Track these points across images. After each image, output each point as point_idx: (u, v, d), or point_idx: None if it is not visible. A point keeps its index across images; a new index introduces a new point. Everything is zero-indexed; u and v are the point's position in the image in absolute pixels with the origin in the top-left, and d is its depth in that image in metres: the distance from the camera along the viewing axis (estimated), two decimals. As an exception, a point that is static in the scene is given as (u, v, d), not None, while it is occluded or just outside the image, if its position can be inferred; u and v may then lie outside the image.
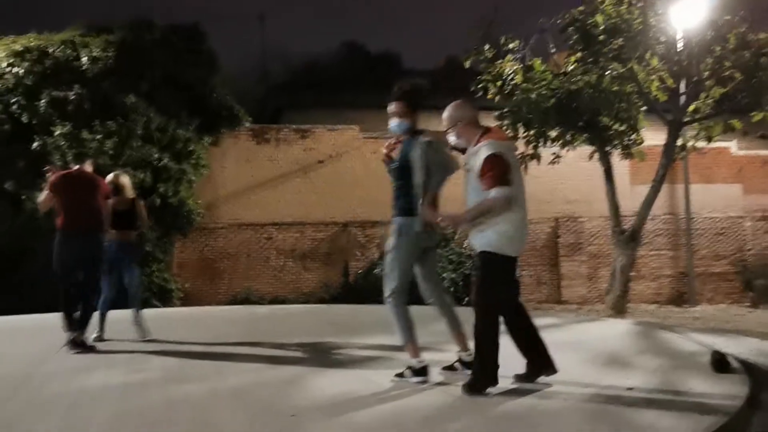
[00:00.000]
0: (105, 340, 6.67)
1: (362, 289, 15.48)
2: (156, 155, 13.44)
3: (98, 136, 12.80)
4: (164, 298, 13.88)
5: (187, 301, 14.51)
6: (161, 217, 13.80)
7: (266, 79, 25.68)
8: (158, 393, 4.41)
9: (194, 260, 15.57)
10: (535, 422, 3.53)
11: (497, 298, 4.22)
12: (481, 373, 4.17)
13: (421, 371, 4.48)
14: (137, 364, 5.49)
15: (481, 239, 4.22)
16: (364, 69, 27.74)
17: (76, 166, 6.53)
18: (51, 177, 6.33)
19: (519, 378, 4.40)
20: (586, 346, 6.01)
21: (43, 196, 6.34)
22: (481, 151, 4.20)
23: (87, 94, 13.30)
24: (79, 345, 6.09)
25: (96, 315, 6.54)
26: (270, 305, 13.88)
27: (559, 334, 6.89)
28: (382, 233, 15.76)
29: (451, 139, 4.47)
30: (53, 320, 8.93)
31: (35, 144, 12.87)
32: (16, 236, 12.79)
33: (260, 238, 16.00)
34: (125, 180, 7.12)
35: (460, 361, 4.73)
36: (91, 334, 6.49)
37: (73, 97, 13.18)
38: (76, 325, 6.12)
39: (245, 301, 15.05)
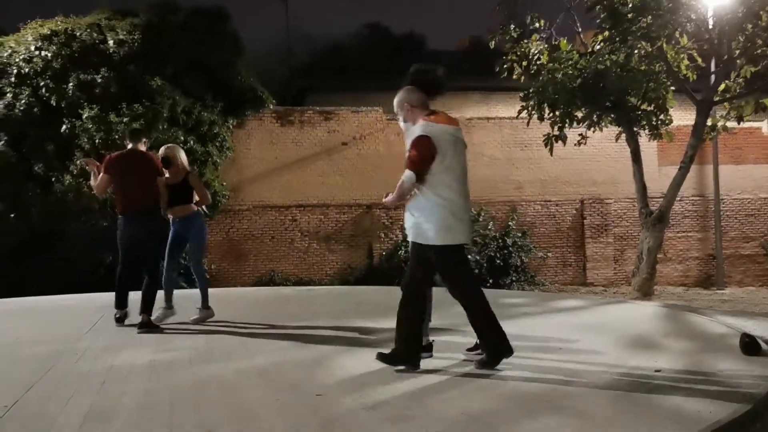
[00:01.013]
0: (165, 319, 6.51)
1: (386, 271, 15.54)
2: (182, 138, 13.54)
3: (125, 119, 12.92)
4: (190, 280, 14.04)
5: (212, 281, 14.65)
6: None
7: (290, 62, 25.68)
8: (186, 372, 4.48)
9: (220, 242, 15.73)
10: (560, 404, 3.52)
11: (470, 287, 4.33)
12: (400, 345, 4.24)
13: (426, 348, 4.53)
14: (165, 343, 5.57)
15: (411, 228, 4.25)
16: (388, 50, 27.59)
17: (129, 145, 6.33)
18: (105, 159, 6.29)
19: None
20: (613, 327, 5.97)
21: (97, 179, 6.25)
22: (414, 131, 4.19)
23: (114, 77, 13.43)
24: (145, 326, 6.07)
25: (160, 293, 6.43)
26: (294, 286, 13.99)
27: (585, 316, 6.87)
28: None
29: (399, 122, 4.41)
30: (85, 300, 9.11)
31: (64, 127, 13.04)
32: (46, 218, 12.99)
33: (285, 220, 16.11)
34: (176, 153, 6.64)
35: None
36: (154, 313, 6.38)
37: (100, 80, 13.31)
38: (127, 304, 6.25)
39: (270, 282, 15.20)
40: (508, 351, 4.24)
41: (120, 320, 6.33)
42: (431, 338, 4.66)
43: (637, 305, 8.35)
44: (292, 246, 16.11)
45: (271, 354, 4.94)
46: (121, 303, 6.32)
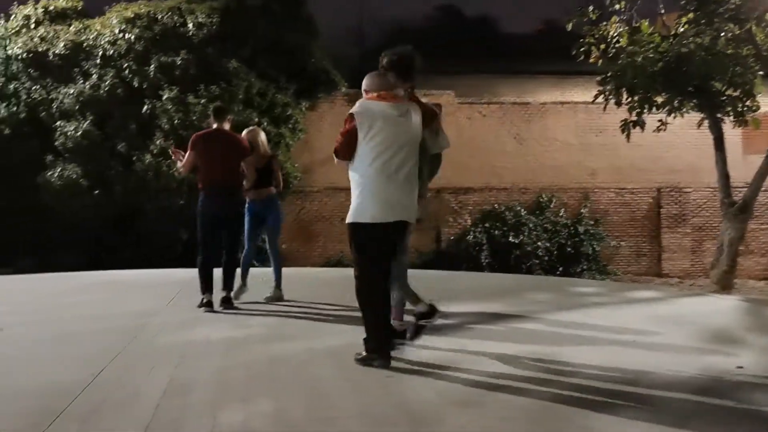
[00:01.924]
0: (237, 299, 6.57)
1: (454, 256, 15.48)
2: (256, 119, 13.79)
3: (202, 101, 13.26)
4: (262, 258, 14.36)
5: (283, 262, 14.97)
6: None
7: (362, 44, 25.74)
8: (260, 349, 4.59)
9: (290, 222, 15.98)
10: (635, 397, 3.44)
11: (366, 266, 4.07)
12: (365, 341, 4.05)
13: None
14: (240, 321, 5.71)
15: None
16: (460, 33, 27.28)
17: (215, 125, 6.39)
18: (192, 137, 6.37)
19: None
20: (690, 321, 5.77)
21: (184, 158, 6.32)
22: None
23: (193, 60, 13.77)
24: (225, 302, 6.19)
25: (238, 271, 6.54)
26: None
27: (661, 308, 6.67)
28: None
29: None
30: (162, 275, 9.44)
31: (145, 107, 13.48)
32: (128, 195, 13.49)
33: (354, 203, 16.23)
34: (258, 136, 6.73)
35: None
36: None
37: (179, 62, 13.67)
38: (213, 289, 6.18)
39: (338, 263, 15.36)
40: (380, 360, 3.97)
41: (208, 305, 6.12)
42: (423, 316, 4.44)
43: (716, 298, 8.05)
44: (361, 228, 16.23)
45: (341, 335, 5.00)
46: (208, 287, 6.20)
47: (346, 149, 4.13)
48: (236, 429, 3.03)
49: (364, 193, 4.07)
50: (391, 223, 4.05)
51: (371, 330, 4.03)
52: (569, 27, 11.94)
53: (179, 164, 6.57)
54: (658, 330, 5.28)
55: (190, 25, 14.12)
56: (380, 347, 4.01)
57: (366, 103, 4.11)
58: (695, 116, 11.59)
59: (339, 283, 9.64)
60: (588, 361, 4.15)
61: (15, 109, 14.17)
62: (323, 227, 16.13)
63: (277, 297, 6.77)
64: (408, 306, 4.64)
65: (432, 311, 4.45)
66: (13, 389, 3.66)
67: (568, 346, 4.54)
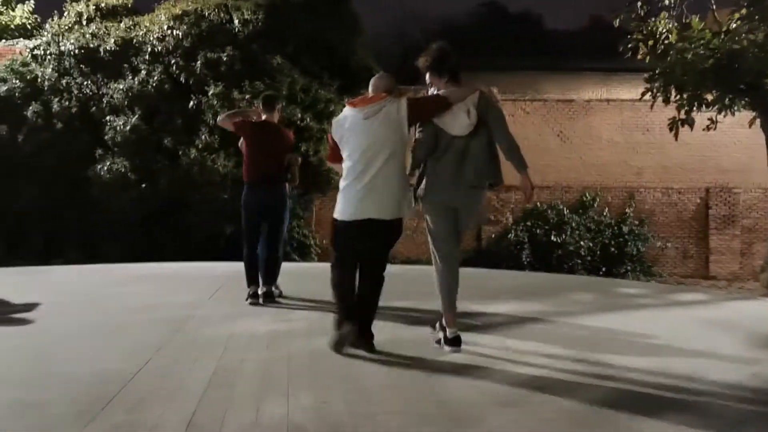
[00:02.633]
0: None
1: (494, 254, 15.37)
2: (299, 115, 13.86)
3: (247, 96, 13.37)
4: (303, 253, 14.49)
5: (324, 256, 15.05)
6: (302, 175, 14.28)
7: (404, 41, 25.72)
8: (302, 343, 4.62)
9: (332, 218, 16.07)
10: (684, 402, 3.36)
11: (335, 257, 4.57)
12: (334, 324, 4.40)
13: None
14: (282, 315, 5.75)
15: None
16: (504, 30, 27.06)
17: (264, 116, 6.40)
18: (238, 121, 6.38)
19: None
20: (741, 325, 5.62)
21: (230, 119, 6.40)
22: None
23: (238, 56, 13.91)
24: (269, 296, 6.24)
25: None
26: (401, 265, 14.10)
27: (708, 312, 6.51)
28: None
29: None
30: (206, 268, 9.58)
31: (191, 102, 13.66)
32: (173, 188, 13.70)
33: (396, 199, 16.23)
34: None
35: None
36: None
37: (225, 58, 13.83)
38: (259, 281, 6.24)
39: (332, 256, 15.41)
40: (338, 337, 4.31)
41: (254, 297, 6.19)
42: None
43: (766, 302, 7.82)
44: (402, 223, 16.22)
45: (382, 331, 4.99)
46: (254, 279, 6.26)
47: (331, 154, 4.76)
48: (278, 422, 3.06)
49: (341, 192, 4.51)
50: (358, 221, 4.37)
51: (339, 314, 4.41)
52: (616, 23, 11.72)
53: (221, 116, 6.58)
54: (706, 334, 5.16)
55: (236, 22, 14.27)
56: (339, 324, 4.35)
57: (343, 111, 4.57)
58: (746, 115, 11.30)
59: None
60: (632, 364, 4.07)
61: (67, 104, 14.50)
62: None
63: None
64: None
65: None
66: (63, 376, 3.76)
67: (612, 349, 4.46)
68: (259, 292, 6.26)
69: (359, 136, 4.36)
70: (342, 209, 4.47)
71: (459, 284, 4.49)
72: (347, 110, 4.52)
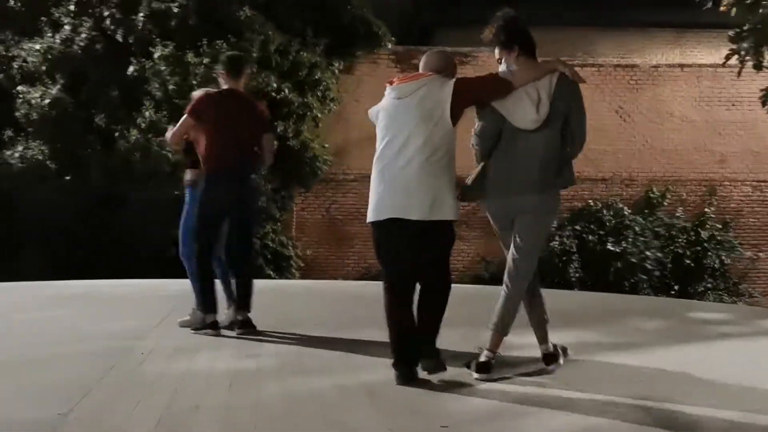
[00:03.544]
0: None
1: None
2: (274, 84, 13.86)
3: (206, 60, 13.35)
4: (280, 267, 14.50)
5: (307, 271, 15.07)
6: (278, 164, 14.29)
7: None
8: (275, 385, 4.63)
9: (318, 221, 16.10)
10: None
11: (383, 269, 4.85)
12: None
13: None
14: (249, 348, 5.77)
15: None
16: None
17: (226, 85, 6.33)
18: (194, 97, 6.33)
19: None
20: None
21: (177, 125, 6.25)
22: None
23: (193, 7, 13.89)
24: (245, 325, 6.22)
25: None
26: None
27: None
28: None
29: None
30: (151, 286, 9.59)
31: (131, 68, 13.63)
32: (108, 182, 13.66)
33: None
34: None
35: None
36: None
37: (176, 10, 13.80)
38: (217, 307, 6.21)
39: (380, 276, 15.38)
40: (399, 369, 4.60)
41: (214, 328, 6.18)
42: None
43: None
44: (409, 229, 16.23)
45: (380, 369, 5.00)
46: (213, 305, 6.20)
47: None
48: (243, 488, 3.07)
49: (370, 189, 4.73)
50: (386, 222, 4.61)
51: (393, 342, 4.71)
52: (692, -36, 11.77)
53: (168, 132, 6.49)
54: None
55: (191, -38, 14.30)
56: (396, 360, 4.62)
57: (389, 87, 4.79)
58: None
59: (379, 301, 9.63)
60: (712, 412, 4.08)
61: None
62: (360, 228, 16.15)
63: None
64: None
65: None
66: (-38, 429, 3.77)
67: (684, 394, 4.46)
68: (224, 319, 6.27)
69: (389, 120, 4.65)
70: (371, 207, 4.70)
71: (514, 306, 4.83)
72: (386, 90, 4.77)
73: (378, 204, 4.64)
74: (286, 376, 4.87)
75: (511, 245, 4.76)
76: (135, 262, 12.68)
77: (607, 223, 15.83)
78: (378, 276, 15.03)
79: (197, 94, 6.52)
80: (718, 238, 15.93)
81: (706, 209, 16.37)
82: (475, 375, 4.64)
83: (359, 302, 9.23)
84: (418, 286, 4.84)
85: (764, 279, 16.51)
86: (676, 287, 15.26)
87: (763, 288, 16.34)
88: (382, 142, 4.66)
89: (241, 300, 6.32)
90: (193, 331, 6.24)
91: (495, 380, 4.63)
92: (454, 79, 4.63)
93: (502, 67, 4.82)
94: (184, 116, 6.21)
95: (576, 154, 4.68)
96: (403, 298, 4.75)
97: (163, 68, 13.39)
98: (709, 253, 15.72)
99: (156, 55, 13.51)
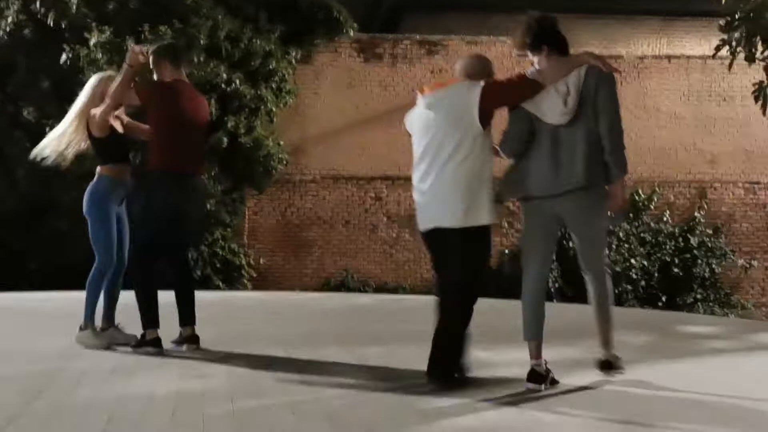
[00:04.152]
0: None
1: (510, 277, 15.41)
2: (224, 75, 13.80)
3: (147, 47, 13.27)
4: (230, 278, 14.41)
5: (261, 282, 14.98)
6: (229, 163, 14.23)
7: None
8: (224, 409, 4.56)
9: (272, 226, 16.02)
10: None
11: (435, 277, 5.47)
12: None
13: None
14: (194, 368, 5.71)
15: None
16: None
17: (168, 77, 6.22)
18: (140, 85, 6.23)
19: None
20: None
21: (118, 79, 6.10)
22: None
23: (133, -12, 13.81)
24: (191, 341, 6.24)
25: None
26: (376, 294, 14.09)
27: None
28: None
29: None
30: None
31: (64, 56, 13.51)
32: (38, 183, 13.51)
33: (365, 198, 16.24)
34: None
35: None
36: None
37: (115, -9, 13.71)
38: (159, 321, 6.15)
39: (342, 286, 15.36)
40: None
41: (155, 344, 6.13)
42: None
43: None
44: (374, 235, 16.23)
45: (344, 390, 4.99)
46: (153, 318, 6.16)
47: None
48: None
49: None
50: (429, 232, 5.16)
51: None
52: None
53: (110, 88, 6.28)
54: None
55: (131, -61, 14.20)
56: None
57: (420, 97, 5.30)
58: None
59: (341, 314, 9.62)
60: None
61: None
62: (320, 233, 16.14)
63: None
64: None
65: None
66: None
67: (672, 415, 4.48)
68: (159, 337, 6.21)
69: (421, 129, 5.17)
70: (417, 218, 5.31)
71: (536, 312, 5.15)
72: (418, 99, 5.27)
73: (420, 215, 5.22)
74: (236, 398, 4.81)
75: (578, 250, 5.14)
76: (66, 273, 12.51)
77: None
78: (338, 287, 15.08)
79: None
80: (709, 244, 16.07)
81: (695, 213, 16.51)
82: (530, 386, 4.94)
83: (318, 316, 9.21)
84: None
85: (757, 289, 16.70)
86: (663, 298, 15.38)
87: (756, 298, 16.52)
88: (417, 152, 5.16)
89: (186, 314, 6.30)
90: (132, 349, 6.18)
91: (468, 401, 4.61)
92: (481, 83, 4.96)
93: (531, 69, 5.15)
94: (127, 68, 6.10)
95: (614, 143, 4.88)
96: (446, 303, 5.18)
97: (99, 56, 13.29)
98: (699, 261, 15.86)
99: (92, 42, 13.41)
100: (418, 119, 5.22)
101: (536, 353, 4.99)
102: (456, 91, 5.06)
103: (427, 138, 5.08)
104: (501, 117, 5.12)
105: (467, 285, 5.09)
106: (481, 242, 5.11)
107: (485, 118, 4.93)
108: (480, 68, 5.19)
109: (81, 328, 6.39)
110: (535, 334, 5.03)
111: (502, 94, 5.04)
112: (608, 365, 5.16)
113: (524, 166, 5.03)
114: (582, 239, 5.07)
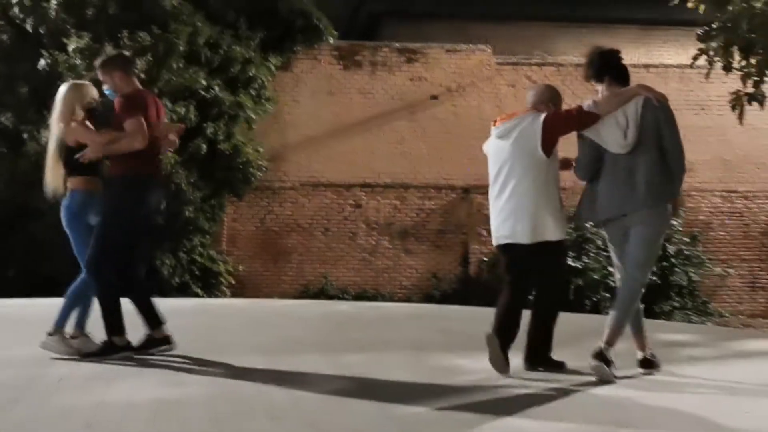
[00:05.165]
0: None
1: (487, 285, 15.43)
2: (203, 82, 13.78)
3: (126, 53, 13.24)
4: (209, 285, 14.37)
5: (239, 289, 14.94)
6: (208, 169, 14.19)
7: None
8: (203, 417, 4.55)
9: (251, 233, 15.98)
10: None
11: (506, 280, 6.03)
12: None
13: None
14: (173, 375, 5.69)
15: None
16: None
17: (125, 86, 6.24)
18: (126, 94, 6.20)
19: None
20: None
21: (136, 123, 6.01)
22: None
23: (113, -5, 13.77)
24: (160, 342, 6.26)
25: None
26: (355, 301, 14.07)
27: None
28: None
29: None
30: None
31: (42, 62, 13.45)
32: (16, 188, 13.43)
33: (344, 206, 16.23)
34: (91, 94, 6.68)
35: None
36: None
37: (94, -2, 13.67)
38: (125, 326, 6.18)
39: (321, 294, 15.33)
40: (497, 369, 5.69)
41: (128, 350, 6.20)
42: None
43: None
44: (353, 243, 16.22)
45: (322, 399, 4.98)
46: (121, 324, 6.22)
47: None
48: None
49: None
50: (503, 246, 5.87)
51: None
52: (660, -43, 11.97)
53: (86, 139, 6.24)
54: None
55: (110, -56, 14.16)
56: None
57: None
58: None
59: (319, 322, 9.61)
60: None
61: None
62: (299, 241, 16.11)
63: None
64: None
65: None
66: None
67: (650, 424, 4.50)
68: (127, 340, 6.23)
69: (493, 157, 5.90)
70: (496, 231, 5.93)
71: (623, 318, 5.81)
72: (492, 130, 5.96)
73: (494, 231, 5.91)
74: (215, 406, 4.80)
75: (626, 260, 5.76)
76: (46, 277, 12.44)
77: (567, 237, 15.93)
78: (318, 294, 15.10)
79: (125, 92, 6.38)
80: (686, 252, 16.12)
81: (673, 221, 16.59)
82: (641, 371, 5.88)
83: (298, 324, 9.19)
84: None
85: (734, 297, 16.79)
86: (642, 305, 15.42)
87: (733, 306, 16.61)
88: (492, 174, 5.88)
89: (152, 317, 6.29)
90: (101, 358, 6.14)
91: (448, 409, 4.61)
92: (542, 116, 5.66)
93: (588, 102, 5.79)
94: (135, 119, 6.02)
95: (679, 168, 5.65)
96: (518, 303, 5.94)
97: (78, 62, 13.23)
98: (677, 270, 15.89)
99: (71, 48, 13.36)
100: (492, 147, 5.93)
101: (641, 345, 6.03)
102: (523, 122, 5.72)
103: (499, 163, 5.81)
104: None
105: (550, 289, 6.09)
106: (551, 255, 5.86)
107: (547, 146, 5.62)
108: (547, 97, 5.96)
109: (49, 334, 6.33)
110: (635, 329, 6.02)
111: (562, 126, 5.72)
112: (648, 364, 5.96)
113: (594, 189, 5.76)
114: (635, 252, 5.68)
